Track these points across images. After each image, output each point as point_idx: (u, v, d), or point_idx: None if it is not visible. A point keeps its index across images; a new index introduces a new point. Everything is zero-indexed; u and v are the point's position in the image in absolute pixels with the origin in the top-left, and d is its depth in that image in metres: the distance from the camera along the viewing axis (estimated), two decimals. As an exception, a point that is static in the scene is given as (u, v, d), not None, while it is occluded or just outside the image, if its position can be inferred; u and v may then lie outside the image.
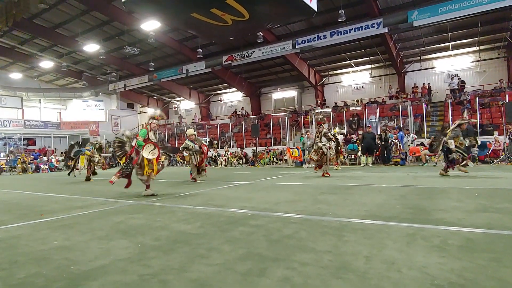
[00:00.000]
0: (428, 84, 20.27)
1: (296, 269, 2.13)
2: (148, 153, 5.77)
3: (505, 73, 19.02)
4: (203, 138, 16.65)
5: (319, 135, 9.16)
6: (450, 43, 19.20)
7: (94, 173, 11.04)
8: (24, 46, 22.45)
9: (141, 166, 5.91)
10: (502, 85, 17.97)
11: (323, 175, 9.09)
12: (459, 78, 19.97)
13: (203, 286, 1.95)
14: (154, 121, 6.15)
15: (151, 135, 6.03)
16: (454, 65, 20.48)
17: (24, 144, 26.74)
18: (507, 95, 15.76)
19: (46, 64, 23.69)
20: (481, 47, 19.30)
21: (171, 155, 6.04)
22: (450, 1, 13.17)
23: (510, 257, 2.22)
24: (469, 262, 2.15)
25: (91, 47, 20.05)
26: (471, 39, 18.64)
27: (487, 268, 2.04)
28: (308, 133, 16.47)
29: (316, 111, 21.45)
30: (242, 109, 27.89)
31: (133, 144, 6.11)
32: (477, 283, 1.84)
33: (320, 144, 9.02)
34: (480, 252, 2.34)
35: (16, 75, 26.32)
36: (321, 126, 9.30)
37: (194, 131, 9.34)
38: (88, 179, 10.69)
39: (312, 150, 9.37)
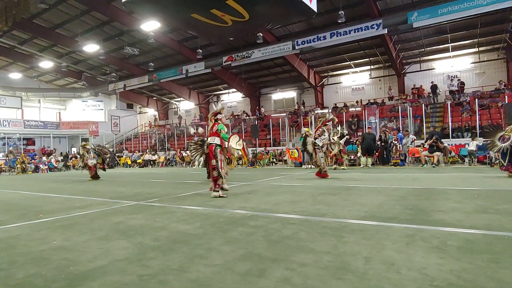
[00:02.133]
0: (432, 82, 20.06)
1: (296, 270, 2.13)
2: (235, 143, 5.70)
3: (505, 74, 19.06)
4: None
5: (328, 135, 9.03)
6: (450, 45, 19.22)
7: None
8: (23, 46, 22.45)
9: (227, 160, 5.80)
10: (501, 86, 17.99)
11: (319, 175, 8.94)
12: (458, 79, 19.99)
13: (202, 286, 1.95)
14: (222, 115, 5.91)
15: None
16: (454, 66, 20.51)
17: (23, 144, 26.72)
18: (506, 97, 15.78)
19: (46, 64, 23.68)
20: (481, 49, 19.35)
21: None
22: (450, 2, 13.21)
23: (509, 258, 2.23)
24: (468, 263, 2.15)
25: (91, 47, 20.05)
26: (470, 41, 18.69)
27: (486, 269, 2.04)
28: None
29: (317, 111, 21.42)
30: (245, 113, 26.98)
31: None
32: (476, 284, 1.84)
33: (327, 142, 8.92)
34: (479, 253, 2.34)
35: (15, 75, 26.31)
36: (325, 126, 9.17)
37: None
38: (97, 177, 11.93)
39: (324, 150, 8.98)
